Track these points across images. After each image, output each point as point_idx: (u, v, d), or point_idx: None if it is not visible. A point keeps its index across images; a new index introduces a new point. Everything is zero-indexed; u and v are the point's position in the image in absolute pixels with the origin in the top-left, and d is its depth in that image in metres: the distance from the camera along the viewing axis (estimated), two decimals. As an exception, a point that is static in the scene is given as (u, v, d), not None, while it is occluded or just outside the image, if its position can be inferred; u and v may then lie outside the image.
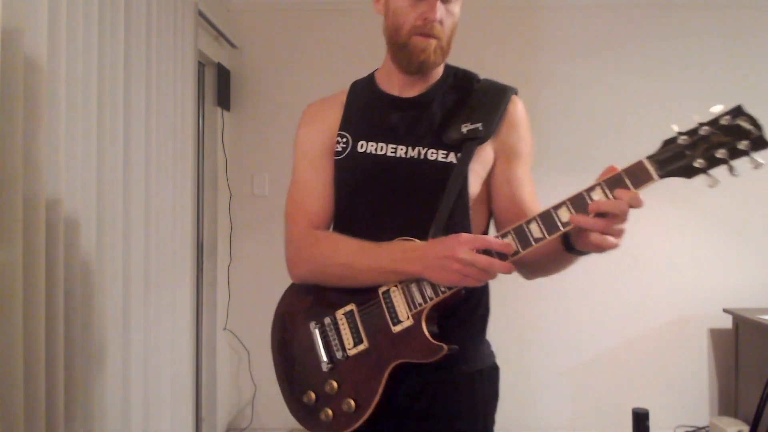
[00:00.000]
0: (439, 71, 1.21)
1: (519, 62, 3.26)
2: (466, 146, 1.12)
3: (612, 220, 0.91)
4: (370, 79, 1.27)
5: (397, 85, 1.21)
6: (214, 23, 2.87)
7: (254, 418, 3.27)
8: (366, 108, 1.23)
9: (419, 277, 1.04)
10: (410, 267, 1.03)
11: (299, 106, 1.33)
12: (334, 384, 1.12)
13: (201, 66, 3.03)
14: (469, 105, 1.16)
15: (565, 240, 1.00)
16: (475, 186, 1.15)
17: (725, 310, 3.11)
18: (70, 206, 1.57)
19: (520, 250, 0.97)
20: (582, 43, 3.30)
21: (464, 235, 0.99)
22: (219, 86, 3.12)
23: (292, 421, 1.18)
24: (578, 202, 0.93)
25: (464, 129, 1.12)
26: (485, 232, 1.23)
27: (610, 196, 0.90)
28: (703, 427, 3.22)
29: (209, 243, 3.13)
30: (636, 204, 0.90)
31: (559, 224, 0.95)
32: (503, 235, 0.99)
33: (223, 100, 3.18)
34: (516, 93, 1.18)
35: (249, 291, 3.27)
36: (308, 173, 1.23)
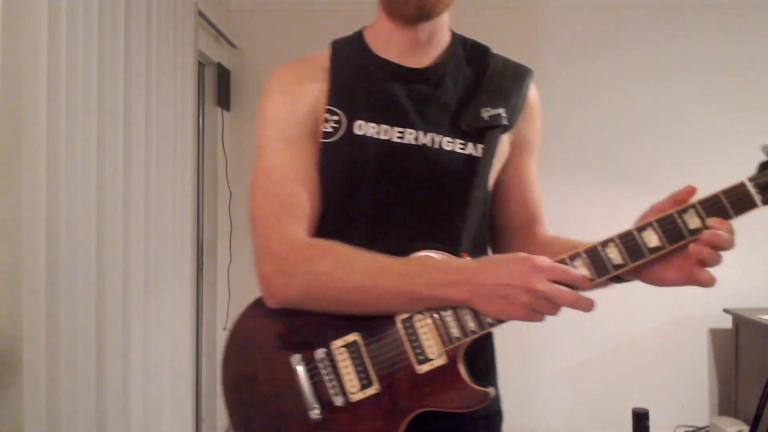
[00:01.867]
0: (445, 38, 0.98)
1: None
2: (489, 136, 0.92)
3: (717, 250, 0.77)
4: (358, 40, 1.00)
5: (395, 49, 0.96)
6: (214, 23, 2.87)
7: (254, 418, 3.26)
8: (360, 77, 0.96)
9: (464, 305, 0.82)
10: (455, 293, 0.80)
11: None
12: None
13: (201, 66, 3.03)
14: (485, 84, 0.96)
15: None
16: (491, 183, 0.95)
17: (725, 310, 3.11)
18: (70, 206, 1.57)
19: (596, 277, 0.80)
20: (582, 44, 3.30)
21: (541, 259, 0.78)
22: (219, 86, 3.12)
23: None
24: (669, 226, 0.78)
25: (485, 114, 0.92)
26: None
27: (706, 220, 0.77)
28: (703, 427, 3.22)
29: (209, 243, 3.13)
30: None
31: (644, 250, 0.78)
32: (571, 258, 0.81)
33: (223, 100, 3.18)
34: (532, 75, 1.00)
35: (249, 291, 3.22)
36: (288, 160, 0.93)
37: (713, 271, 0.80)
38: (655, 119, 3.25)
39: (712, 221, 0.77)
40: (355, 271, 0.85)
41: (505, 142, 0.96)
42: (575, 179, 3.21)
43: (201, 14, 2.68)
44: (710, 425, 3.14)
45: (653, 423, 2.97)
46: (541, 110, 1.02)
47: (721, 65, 3.26)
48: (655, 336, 3.26)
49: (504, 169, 0.99)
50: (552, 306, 0.78)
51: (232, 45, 3.23)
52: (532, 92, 1.00)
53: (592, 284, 0.80)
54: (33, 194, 1.41)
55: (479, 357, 0.95)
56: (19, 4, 1.37)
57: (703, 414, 3.26)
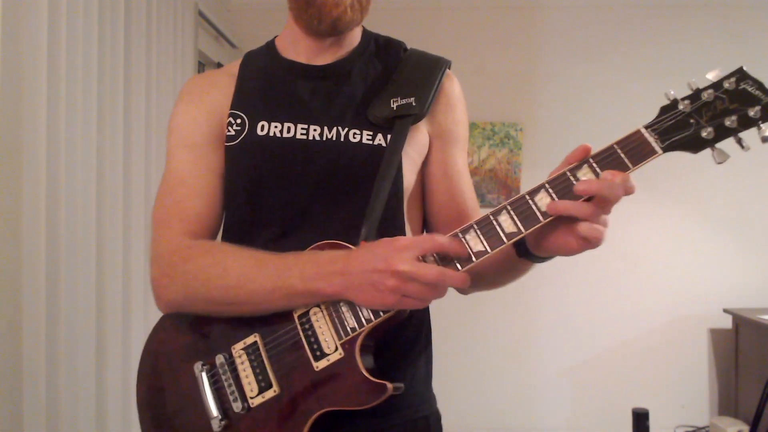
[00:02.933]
0: (356, 37, 0.98)
1: (519, 63, 3.26)
2: (398, 125, 0.90)
3: (603, 205, 0.72)
4: (269, 47, 1.01)
5: (304, 52, 0.96)
6: (214, 23, 2.88)
7: (254, 418, 3.26)
8: (265, 80, 0.96)
9: (340, 298, 0.78)
10: (327, 286, 0.77)
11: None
12: None
13: (201, 66, 3.03)
14: (396, 77, 0.95)
15: (519, 243, 0.79)
16: (410, 176, 0.93)
17: (725, 310, 3.11)
18: (70, 206, 1.57)
19: (489, 249, 0.74)
20: (582, 44, 3.30)
21: (402, 239, 0.75)
22: (219, 86, 3.11)
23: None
24: (562, 186, 0.74)
25: (394, 104, 0.91)
26: None
27: (601, 175, 0.73)
28: (703, 427, 3.22)
29: (209, 243, 3.13)
30: (629, 189, 0.72)
31: (538, 214, 0.73)
32: (464, 231, 0.76)
33: (223, 100, 3.17)
34: (450, 66, 0.97)
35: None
36: (187, 165, 0.93)
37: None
38: (655, 119, 3.25)
39: (605, 174, 0.72)
40: (231, 267, 0.82)
41: (421, 132, 0.94)
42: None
43: (201, 14, 2.68)
44: (710, 425, 3.14)
45: (653, 423, 2.97)
46: (464, 100, 0.99)
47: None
48: (655, 336, 3.26)
49: (427, 162, 0.97)
50: (423, 288, 0.73)
51: (232, 45, 3.23)
52: (450, 82, 0.98)
53: (483, 255, 0.75)
54: (33, 194, 1.42)
55: (402, 349, 0.91)
56: (19, 4, 1.37)
57: (703, 414, 3.27)
